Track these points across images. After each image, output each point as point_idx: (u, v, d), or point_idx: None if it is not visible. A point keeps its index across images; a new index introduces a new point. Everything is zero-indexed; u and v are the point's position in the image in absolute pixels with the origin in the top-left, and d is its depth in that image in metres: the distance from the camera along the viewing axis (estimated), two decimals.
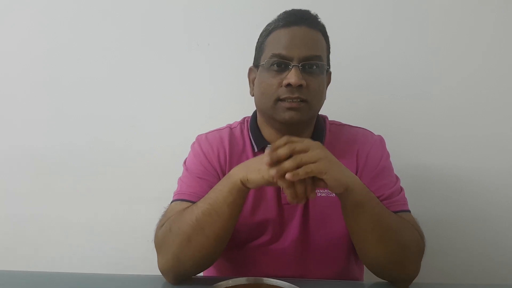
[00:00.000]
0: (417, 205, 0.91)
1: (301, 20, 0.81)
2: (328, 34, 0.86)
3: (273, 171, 0.64)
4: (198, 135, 0.94)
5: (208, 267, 0.81)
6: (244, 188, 0.70)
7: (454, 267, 1.25)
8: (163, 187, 0.92)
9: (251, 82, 0.90)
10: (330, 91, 0.89)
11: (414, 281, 0.78)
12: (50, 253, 1.32)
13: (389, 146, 0.92)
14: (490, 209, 1.24)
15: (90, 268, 1.02)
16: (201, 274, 0.90)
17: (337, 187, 0.67)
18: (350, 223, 0.74)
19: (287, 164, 0.63)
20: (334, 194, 0.74)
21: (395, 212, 0.80)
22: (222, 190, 0.72)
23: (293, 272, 0.85)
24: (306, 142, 0.66)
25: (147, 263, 0.87)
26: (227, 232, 0.73)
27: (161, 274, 0.77)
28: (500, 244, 1.25)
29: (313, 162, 0.64)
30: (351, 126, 0.95)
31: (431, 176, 1.24)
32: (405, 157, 1.19)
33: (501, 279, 1.24)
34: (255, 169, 0.68)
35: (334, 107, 0.95)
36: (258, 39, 0.88)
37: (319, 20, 0.85)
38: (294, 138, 0.66)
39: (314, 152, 0.64)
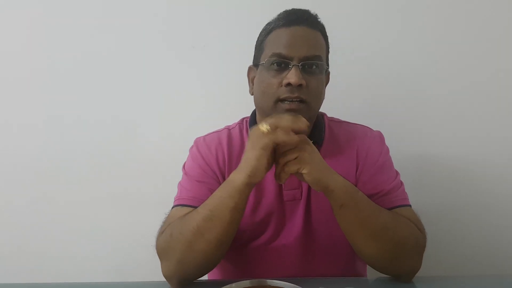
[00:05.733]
0: (417, 198, 0.92)
1: (301, 20, 0.80)
2: (329, 30, 0.85)
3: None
4: (196, 138, 0.93)
5: (212, 270, 0.81)
6: (247, 190, 0.70)
7: (457, 259, 1.26)
8: (164, 192, 0.91)
9: (251, 81, 0.89)
10: (329, 87, 0.89)
11: (416, 275, 0.79)
12: (51, 261, 1.30)
13: (388, 139, 0.92)
14: (492, 200, 1.25)
15: (92, 275, 1.01)
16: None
17: (314, 185, 0.71)
18: (338, 222, 0.76)
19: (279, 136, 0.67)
20: None
21: (395, 207, 0.81)
22: (222, 196, 0.71)
23: (297, 270, 0.85)
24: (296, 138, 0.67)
25: (150, 269, 0.86)
26: (228, 236, 0.73)
27: (164, 279, 0.77)
28: (504, 234, 1.25)
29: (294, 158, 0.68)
30: (350, 123, 0.95)
31: (431, 168, 1.24)
32: (404, 150, 1.19)
33: (504, 269, 1.25)
34: (251, 163, 0.68)
35: (332, 104, 0.95)
36: (258, 38, 0.87)
37: (319, 20, 0.84)
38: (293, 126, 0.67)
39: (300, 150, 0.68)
